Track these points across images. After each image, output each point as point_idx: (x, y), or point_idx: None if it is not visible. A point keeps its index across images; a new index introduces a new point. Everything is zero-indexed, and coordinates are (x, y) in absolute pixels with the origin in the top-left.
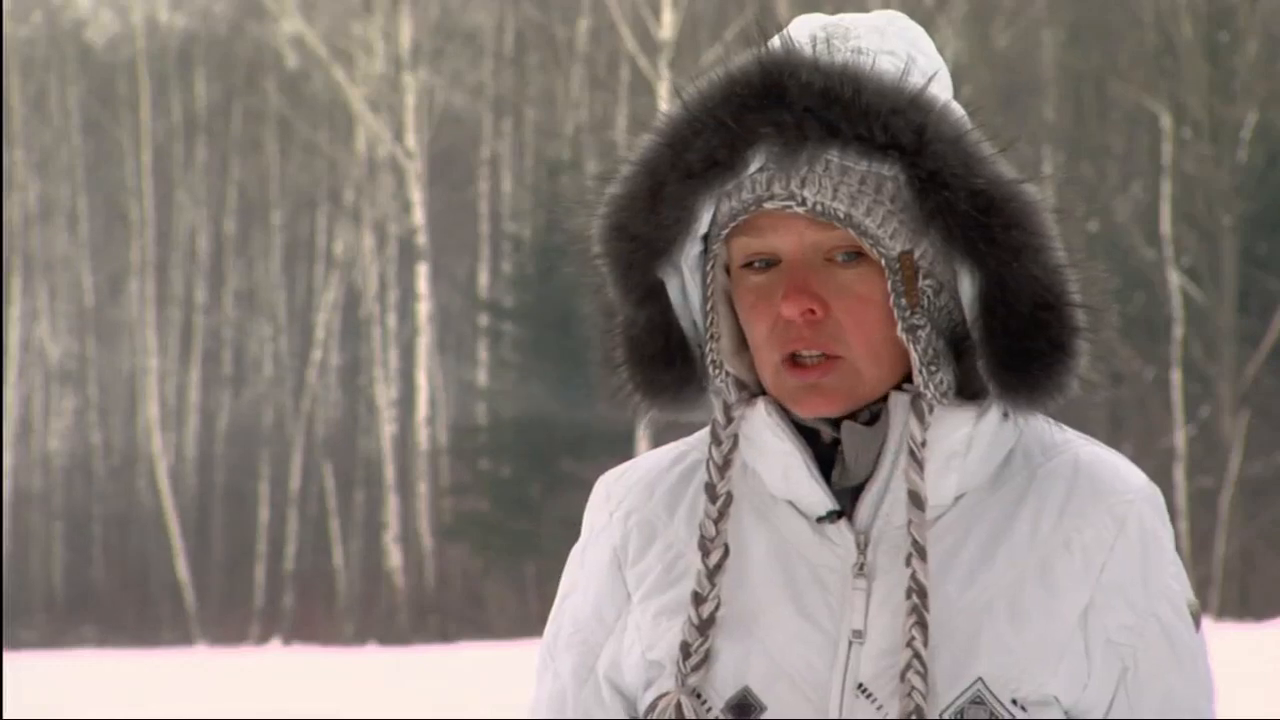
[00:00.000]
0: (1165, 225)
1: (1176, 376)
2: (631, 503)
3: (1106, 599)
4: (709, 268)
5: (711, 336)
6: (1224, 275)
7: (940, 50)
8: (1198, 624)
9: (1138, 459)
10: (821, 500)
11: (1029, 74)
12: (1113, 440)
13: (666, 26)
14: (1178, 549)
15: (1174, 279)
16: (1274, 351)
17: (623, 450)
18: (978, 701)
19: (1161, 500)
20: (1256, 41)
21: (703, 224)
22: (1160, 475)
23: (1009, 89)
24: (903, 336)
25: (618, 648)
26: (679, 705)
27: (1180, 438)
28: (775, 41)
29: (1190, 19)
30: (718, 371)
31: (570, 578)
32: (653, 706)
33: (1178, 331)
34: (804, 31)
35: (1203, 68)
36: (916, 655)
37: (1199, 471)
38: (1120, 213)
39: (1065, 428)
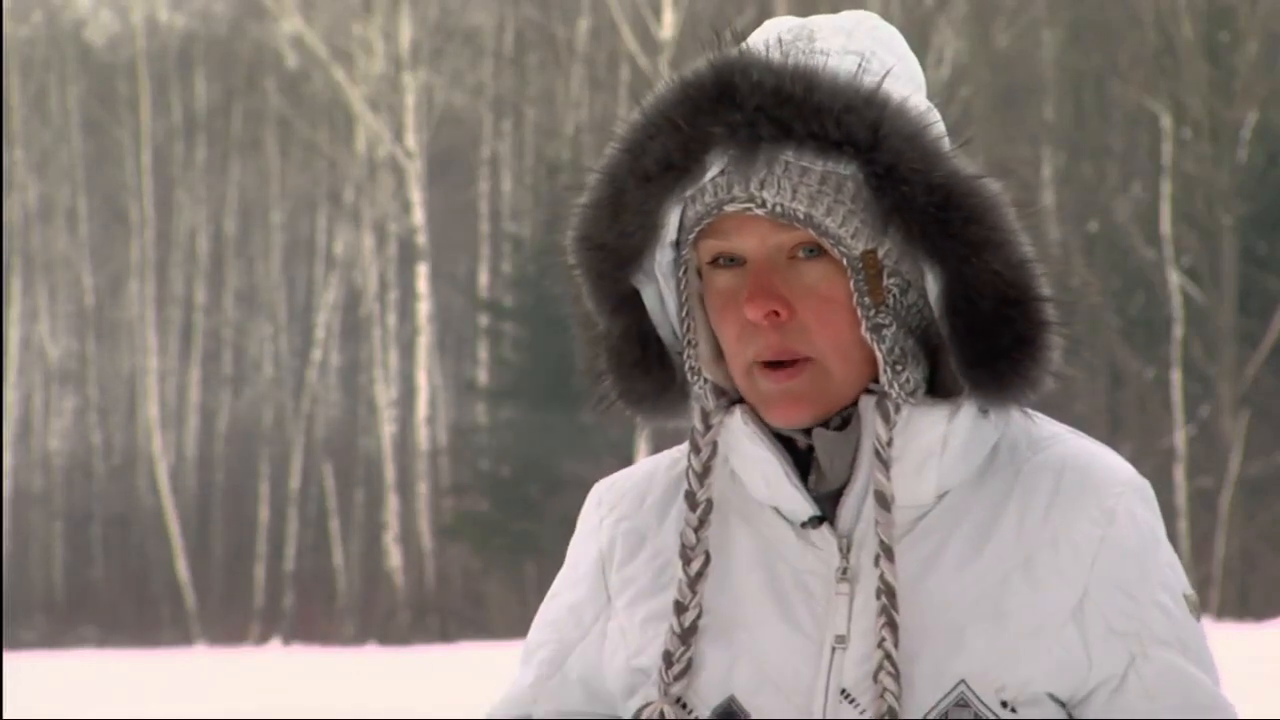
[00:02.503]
0: (1165, 225)
1: (1176, 376)
2: (622, 510)
3: (1102, 591)
4: (682, 274)
5: (689, 343)
6: (1224, 275)
7: (940, 50)
8: (1197, 618)
9: (1138, 459)
10: (803, 506)
11: (1029, 74)
12: (1113, 440)
13: (667, 26)
14: (1175, 548)
15: (1174, 279)
16: (1274, 351)
17: (623, 451)
18: (962, 703)
19: (1151, 492)
20: (1256, 41)
21: (670, 230)
22: (1160, 475)
23: (1009, 89)
24: (867, 336)
25: (596, 651)
26: (663, 714)
27: (1180, 438)
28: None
29: (1190, 19)
30: (696, 378)
31: (556, 581)
32: (636, 716)
33: (1178, 331)
34: (767, 34)
35: (1203, 68)
36: (888, 656)
37: (1199, 471)
38: (1120, 213)
39: (1053, 422)
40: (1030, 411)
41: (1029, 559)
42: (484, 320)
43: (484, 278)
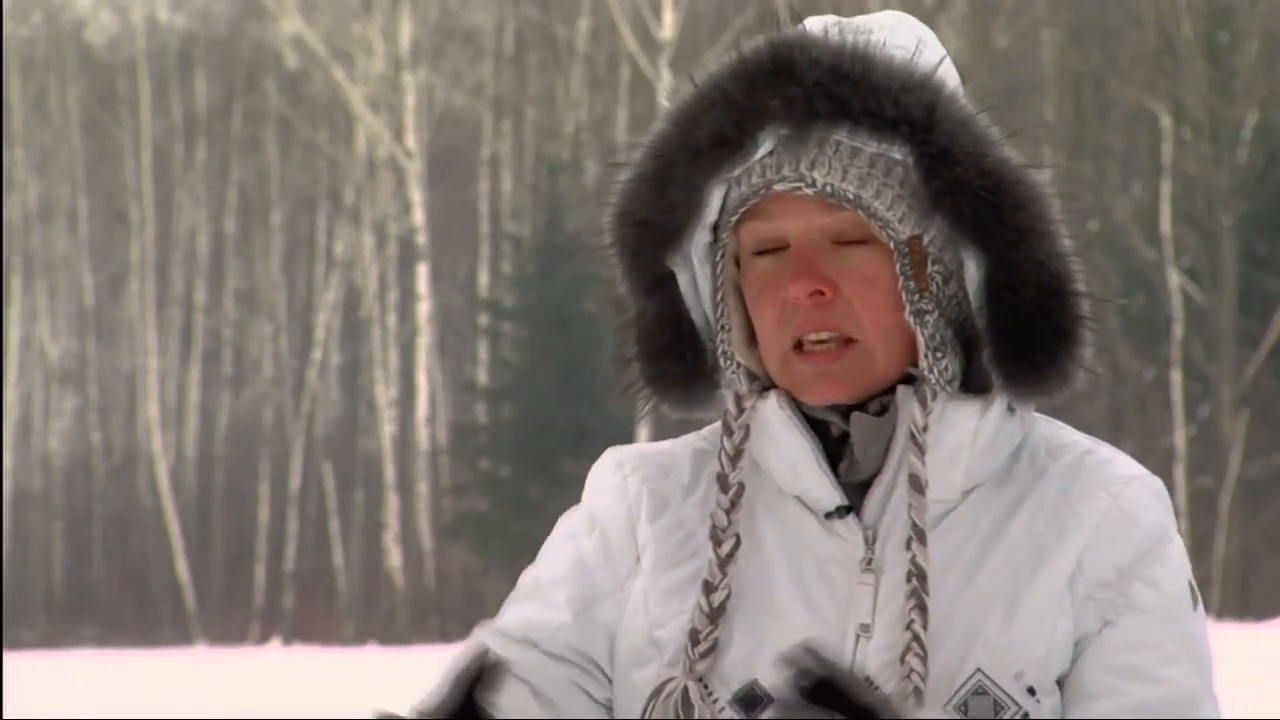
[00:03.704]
0: (1165, 225)
1: (1176, 376)
2: (646, 472)
3: (1092, 563)
4: (718, 258)
5: (722, 328)
6: (1224, 275)
7: None
8: (1196, 605)
9: (1138, 459)
10: (830, 495)
11: (1029, 74)
12: (1113, 440)
13: (667, 26)
14: None
15: (1174, 279)
16: (1274, 351)
17: None
18: (980, 691)
19: (1164, 491)
20: (1256, 41)
21: (712, 210)
22: (1160, 475)
23: (1009, 89)
24: (910, 320)
25: (622, 608)
26: (685, 692)
27: (1180, 438)
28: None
29: (1190, 19)
30: (729, 363)
31: (570, 523)
32: (658, 691)
33: (1178, 331)
34: (816, 25)
35: (1203, 68)
36: (916, 638)
37: (1199, 471)
38: (1120, 213)
39: (1076, 431)
40: (1054, 420)
41: (1040, 551)
42: (484, 320)
43: (484, 278)
